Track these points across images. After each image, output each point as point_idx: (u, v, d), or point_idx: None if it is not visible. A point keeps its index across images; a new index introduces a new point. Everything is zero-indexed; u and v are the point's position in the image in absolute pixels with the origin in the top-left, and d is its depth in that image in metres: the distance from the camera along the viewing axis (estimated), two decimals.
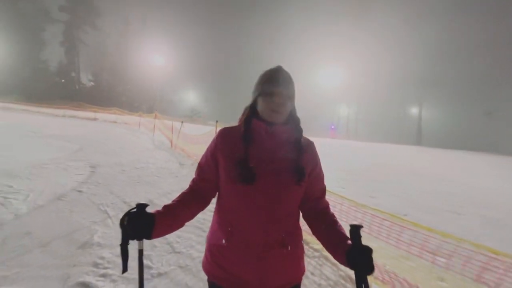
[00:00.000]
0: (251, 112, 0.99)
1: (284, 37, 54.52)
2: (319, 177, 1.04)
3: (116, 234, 2.65)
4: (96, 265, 2.13)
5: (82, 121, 17.45)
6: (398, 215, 4.19)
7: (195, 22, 53.77)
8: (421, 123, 50.99)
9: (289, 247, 0.95)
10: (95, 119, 19.75)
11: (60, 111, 21.29)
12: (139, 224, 0.85)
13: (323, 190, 1.06)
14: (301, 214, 1.06)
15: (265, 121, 0.95)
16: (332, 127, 48.50)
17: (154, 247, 2.48)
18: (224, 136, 1.00)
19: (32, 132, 9.48)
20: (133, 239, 0.85)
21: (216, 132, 5.13)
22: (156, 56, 40.60)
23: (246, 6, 57.42)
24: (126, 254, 0.88)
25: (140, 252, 0.90)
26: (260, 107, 0.96)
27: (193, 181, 1.05)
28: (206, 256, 1.01)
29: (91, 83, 41.50)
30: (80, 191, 3.91)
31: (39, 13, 36.14)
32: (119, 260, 2.27)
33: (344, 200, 2.87)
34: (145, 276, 2.06)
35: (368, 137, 40.83)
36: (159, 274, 2.10)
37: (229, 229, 0.94)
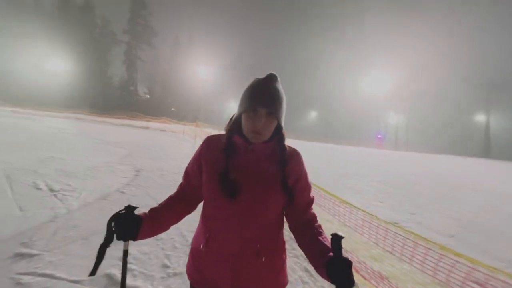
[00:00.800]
0: (234, 127, 0.98)
1: (329, 41, 53.59)
2: (305, 188, 1.01)
3: None
4: (120, 259, 2.35)
5: (136, 130, 19.47)
6: (441, 236, 3.73)
7: (236, 34, 56.26)
8: (489, 133, 44.46)
9: (263, 258, 0.95)
10: (147, 127, 21.86)
11: (119, 121, 24.12)
12: (127, 226, 0.90)
13: (308, 202, 1.02)
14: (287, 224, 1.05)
15: (247, 139, 0.95)
16: (379, 136, 45.30)
17: (175, 248, 2.64)
18: (209, 144, 1.02)
19: (95, 139, 10.93)
20: (119, 239, 0.90)
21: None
22: (201, 69, 43.46)
23: (287, 12, 58.32)
24: (102, 255, 0.91)
25: (125, 253, 0.93)
26: (243, 124, 0.94)
27: (181, 185, 1.08)
28: (188, 259, 1.06)
29: (146, 95, 46.19)
30: (122, 192, 4.38)
31: (107, 36, 41.97)
32: (143, 257, 2.50)
33: (371, 218, 2.67)
34: (161, 274, 2.22)
35: (422, 147, 37.05)
36: (175, 274, 2.23)
37: (207, 235, 0.97)
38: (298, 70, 56.68)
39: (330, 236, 0.83)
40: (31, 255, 2.31)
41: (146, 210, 0.99)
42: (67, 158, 6.53)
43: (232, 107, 51.26)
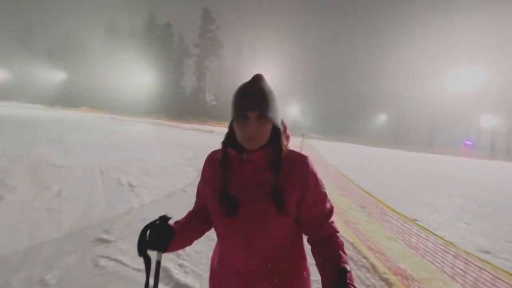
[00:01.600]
0: (228, 139, 0.90)
1: (398, 40, 48.08)
2: (316, 200, 0.88)
3: None
4: (178, 255, 2.55)
5: (203, 134, 21.27)
6: None
7: (297, 37, 55.84)
8: None
9: (276, 279, 0.87)
10: (211, 131, 23.66)
11: (189, 125, 26.81)
12: (162, 236, 0.86)
13: (324, 215, 0.89)
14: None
15: (240, 148, 0.86)
16: (468, 142, 38.02)
17: None
18: (210, 161, 0.96)
19: (168, 142, 12.38)
20: (153, 249, 0.86)
21: (301, 146, 5.08)
22: (264, 75, 44.67)
23: (350, 11, 55.02)
24: (149, 265, 0.87)
25: (158, 264, 0.89)
26: (236, 134, 0.85)
27: (195, 203, 1.05)
28: (209, 275, 1.04)
29: (213, 102, 50.19)
30: (185, 191, 4.79)
31: (182, 51, 47.44)
32: (196, 255, 2.65)
33: (445, 244, 2.21)
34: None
35: None
36: None
37: (219, 253, 0.95)
38: (365, 69, 52.57)
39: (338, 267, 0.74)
40: (108, 241, 2.71)
41: (176, 223, 0.95)
42: (146, 159, 7.55)
43: (293, 111, 51.13)
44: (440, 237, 2.03)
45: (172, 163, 7.30)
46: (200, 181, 1.01)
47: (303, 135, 6.19)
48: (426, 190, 7.18)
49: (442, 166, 14.41)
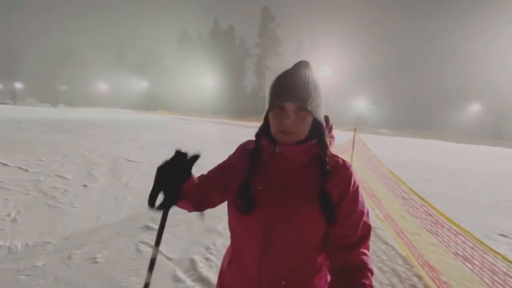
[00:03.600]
0: (263, 129, 0.81)
1: (494, 15, 38.84)
2: (350, 216, 0.71)
3: None
4: (207, 248, 2.63)
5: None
6: None
7: (363, 28, 51.06)
8: None
9: None
10: None
11: (249, 123, 27.78)
12: (175, 174, 0.71)
13: (355, 240, 0.71)
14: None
15: (275, 141, 0.76)
16: None
17: None
18: (240, 150, 0.88)
19: (227, 139, 13.08)
20: (163, 190, 0.71)
21: (353, 140, 4.62)
22: (324, 69, 42.68)
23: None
24: (164, 221, 0.73)
25: (152, 262, 0.74)
26: (270, 124, 0.75)
27: (201, 176, 0.89)
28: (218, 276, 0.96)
29: None
30: None
31: (243, 52, 49.43)
32: (223, 251, 2.69)
33: None
34: None
35: None
36: None
37: (230, 255, 0.86)
38: (449, 53, 44.46)
39: None
40: (152, 229, 3.01)
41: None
42: (204, 155, 8.11)
43: (358, 105, 47.34)
44: None
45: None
46: (222, 163, 0.89)
47: (354, 130, 5.61)
48: None
49: None
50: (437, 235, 2.40)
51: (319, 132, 0.76)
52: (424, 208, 2.56)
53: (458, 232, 2.07)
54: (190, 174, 0.74)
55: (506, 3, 37.88)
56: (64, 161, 6.06)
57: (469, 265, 1.94)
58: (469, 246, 1.94)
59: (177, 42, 53.36)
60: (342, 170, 0.74)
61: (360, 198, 0.74)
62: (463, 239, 1.99)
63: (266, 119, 0.78)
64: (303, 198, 0.72)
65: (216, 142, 11.97)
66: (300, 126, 0.72)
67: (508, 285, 1.59)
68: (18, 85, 53.43)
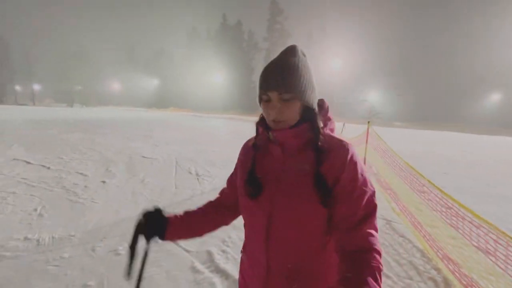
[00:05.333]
0: (260, 119, 0.84)
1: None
2: (350, 197, 0.70)
3: None
4: (223, 241, 2.69)
5: None
6: None
7: (375, 19, 49.51)
8: None
9: (295, 285, 0.77)
10: None
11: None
12: (152, 226, 0.86)
13: (357, 219, 0.69)
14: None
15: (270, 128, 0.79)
16: None
17: None
18: (244, 146, 0.93)
19: (236, 135, 13.14)
20: (145, 237, 0.86)
21: (367, 133, 4.55)
22: (335, 61, 41.83)
23: None
24: (133, 255, 0.85)
25: (145, 254, 0.87)
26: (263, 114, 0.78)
27: (221, 191, 1.02)
28: None
29: None
30: None
31: (251, 46, 49.11)
32: (241, 243, 2.73)
33: None
34: None
35: None
36: None
37: (245, 242, 0.91)
38: (466, 43, 42.54)
39: None
40: None
41: (182, 212, 0.95)
42: (215, 150, 8.23)
43: (370, 98, 46.28)
44: None
45: (236, 154, 7.64)
46: (235, 167, 0.97)
47: (368, 122, 5.50)
48: None
49: None
50: (458, 228, 2.34)
51: (310, 116, 0.76)
52: (444, 200, 2.50)
53: (480, 225, 2.01)
54: (166, 222, 0.88)
55: None
56: (82, 158, 6.29)
57: (492, 258, 1.89)
58: (492, 239, 1.89)
59: (186, 39, 53.65)
60: (337, 150, 0.73)
61: (359, 176, 0.72)
62: (485, 231, 1.94)
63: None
64: (298, 182, 0.73)
65: (226, 137, 12.05)
66: (286, 113, 0.72)
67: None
68: (36, 87, 55.50)
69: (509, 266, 1.76)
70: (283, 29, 47.28)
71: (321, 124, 0.77)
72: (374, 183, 5.12)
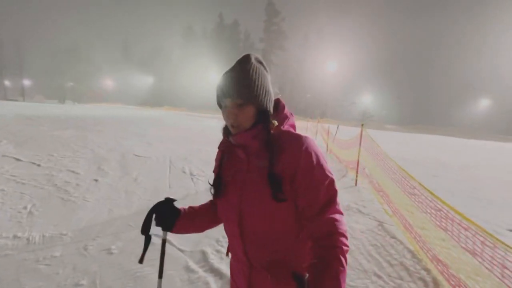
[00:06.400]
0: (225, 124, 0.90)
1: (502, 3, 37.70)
2: (309, 185, 0.75)
3: None
4: (217, 241, 2.69)
5: None
6: None
7: (370, 22, 50.22)
8: None
9: (273, 275, 0.81)
10: None
11: None
12: (167, 215, 0.94)
13: (319, 206, 0.74)
14: None
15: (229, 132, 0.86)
16: None
17: None
18: (218, 151, 0.98)
19: None
20: (158, 226, 0.94)
21: (361, 135, 4.58)
22: (330, 63, 42.21)
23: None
24: (148, 243, 0.96)
25: (163, 242, 0.98)
26: None
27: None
28: None
29: (279, 95, 50.37)
30: None
31: (248, 47, 49.11)
32: None
33: None
34: None
35: None
36: None
37: (228, 242, 0.97)
38: (457, 46, 43.47)
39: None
40: None
41: (186, 207, 1.03)
42: (209, 150, 8.20)
43: (363, 100, 46.83)
44: None
45: None
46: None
47: (362, 125, 5.58)
48: None
49: None
50: (447, 229, 2.41)
51: (263, 118, 0.80)
52: (434, 203, 2.56)
53: (468, 227, 2.07)
54: (179, 212, 0.96)
55: None
56: (74, 156, 6.19)
57: (479, 259, 1.95)
58: (479, 240, 1.95)
59: (182, 38, 53.29)
60: (291, 144, 0.77)
61: (315, 165, 0.75)
62: (473, 233, 1.99)
63: None
64: (258, 179, 0.77)
65: (220, 137, 12.01)
66: (241, 118, 0.78)
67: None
68: (26, 82, 54.25)
69: (495, 267, 1.82)
70: (280, 30, 47.45)
71: (275, 123, 0.82)
72: (366, 184, 5.22)
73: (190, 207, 1.01)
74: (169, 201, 0.97)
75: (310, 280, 0.66)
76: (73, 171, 4.94)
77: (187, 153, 7.44)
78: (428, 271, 2.38)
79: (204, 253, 2.44)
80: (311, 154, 0.76)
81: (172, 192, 4.25)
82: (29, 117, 14.72)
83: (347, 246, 0.70)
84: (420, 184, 2.79)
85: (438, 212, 2.58)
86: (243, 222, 0.81)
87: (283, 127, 0.84)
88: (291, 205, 0.78)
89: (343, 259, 0.67)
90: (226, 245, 2.59)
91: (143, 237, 2.70)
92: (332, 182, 0.77)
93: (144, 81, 56.41)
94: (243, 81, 0.77)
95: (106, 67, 57.37)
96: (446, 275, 2.20)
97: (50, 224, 2.87)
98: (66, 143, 7.74)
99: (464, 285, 2.01)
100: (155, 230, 0.97)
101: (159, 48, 57.26)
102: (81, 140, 8.34)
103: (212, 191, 0.90)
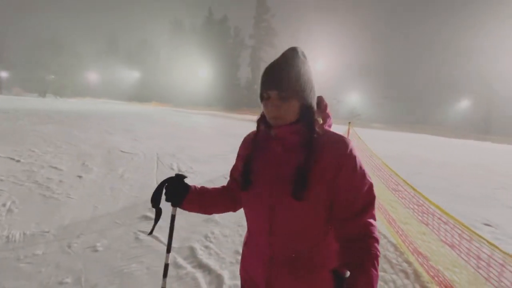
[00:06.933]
0: (261, 116, 0.88)
1: (482, 7, 39.22)
2: (350, 188, 0.75)
3: (230, 218, 3.18)
4: (206, 237, 2.69)
5: (255, 124, 21.68)
6: None
7: (358, 22, 51.01)
8: None
9: (299, 271, 0.81)
10: None
11: (242, 116, 27.69)
12: (177, 190, 0.91)
13: (357, 209, 0.74)
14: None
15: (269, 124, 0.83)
16: None
17: None
18: (245, 140, 0.97)
19: (221, 131, 13.06)
20: (168, 201, 0.92)
21: (348, 133, 4.66)
22: (319, 62, 42.59)
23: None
24: (159, 216, 0.95)
25: (173, 217, 0.97)
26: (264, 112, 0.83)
27: (228, 181, 1.05)
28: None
29: None
30: (225, 178, 4.98)
31: (237, 43, 48.69)
32: (223, 238, 2.76)
33: None
34: (231, 259, 2.35)
35: None
36: None
37: (247, 235, 0.95)
38: (441, 47, 44.90)
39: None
40: (151, 219, 3.03)
41: (199, 187, 0.99)
42: (197, 146, 8.13)
43: (351, 99, 47.64)
44: (498, 248, 1.61)
45: (219, 151, 7.69)
46: (236, 159, 1.00)
47: (349, 123, 5.69)
48: None
49: None
50: (428, 224, 2.51)
51: (308, 114, 0.80)
52: (416, 198, 2.66)
53: (447, 221, 2.17)
54: (188, 188, 0.94)
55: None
56: (57, 152, 5.98)
57: (456, 251, 2.05)
58: (457, 233, 2.05)
59: (170, 32, 52.14)
60: (336, 145, 0.77)
61: (358, 169, 0.76)
62: (452, 226, 2.09)
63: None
64: (287, 176, 0.77)
65: (210, 134, 11.95)
66: (285, 111, 0.76)
67: (491, 267, 1.70)
68: (3, 74, 51.56)
69: (472, 258, 1.92)
70: (269, 27, 47.31)
71: (320, 121, 0.83)
72: None
73: (202, 187, 0.98)
74: (179, 177, 0.94)
75: (349, 281, 0.64)
76: (55, 167, 4.78)
77: (175, 149, 7.35)
78: (409, 263, 2.48)
79: (192, 249, 2.43)
80: (355, 157, 0.77)
81: None
82: (6, 110, 14.04)
83: (379, 252, 0.72)
84: (404, 180, 2.89)
85: (420, 207, 2.69)
86: (274, 217, 0.80)
87: (325, 126, 0.84)
88: (320, 205, 0.77)
89: (376, 264, 0.68)
90: (215, 241, 2.60)
91: (129, 234, 2.67)
92: (371, 186, 0.78)
93: (130, 75, 54.89)
94: (289, 74, 0.76)
95: (90, 60, 55.40)
96: (426, 267, 2.31)
97: (31, 221, 2.77)
98: (48, 138, 7.45)
99: (442, 276, 2.11)
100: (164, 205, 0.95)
101: (146, 42, 55.78)
102: (64, 136, 8.06)
103: (240, 183, 0.87)
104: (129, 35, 61.84)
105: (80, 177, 4.39)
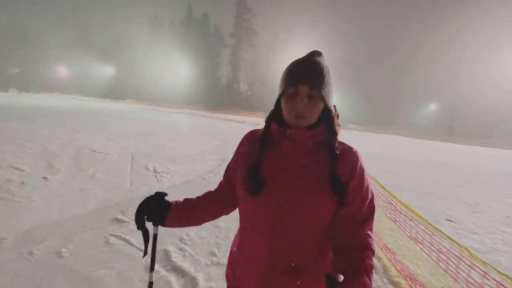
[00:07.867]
0: (273, 113, 0.83)
1: (452, 14, 42.27)
2: (355, 199, 0.76)
3: None
4: (181, 239, 2.63)
5: (235, 124, 21.60)
6: None
7: (334, 24, 52.72)
8: None
9: (298, 281, 0.78)
10: (244, 122, 23.90)
11: (222, 115, 27.44)
12: (155, 210, 0.88)
13: (359, 220, 0.76)
14: None
15: (285, 124, 0.79)
16: None
17: (227, 238, 2.73)
18: (248, 138, 0.90)
19: (200, 131, 12.85)
20: (149, 221, 0.88)
21: None
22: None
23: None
24: (147, 236, 0.90)
25: (155, 237, 0.93)
26: (283, 108, 0.78)
27: (220, 183, 0.99)
28: (227, 261, 0.97)
29: (248, 92, 50.42)
30: (203, 178, 4.92)
31: (217, 41, 48.18)
32: (199, 240, 2.71)
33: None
34: (206, 261, 2.33)
35: None
36: (218, 264, 2.31)
37: (240, 239, 0.88)
38: (412, 52, 47.66)
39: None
40: (123, 221, 2.92)
41: (182, 200, 0.95)
42: (175, 146, 7.94)
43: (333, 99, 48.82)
44: (456, 242, 1.75)
45: (198, 151, 7.56)
46: (232, 159, 0.94)
47: None
48: (473, 188, 6.35)
49: (500, 162, 12.60)
50: (396, 221, 2.66)
51: (328, 118, 0.78)
52: (385, 196, 2.80)
53: (413, 217, 2.31)
54: (170, 206, 0.90)
55: (468, 3, 41.06)
56: (19, 151, 5.55)
57: (420, 246, 2.19)
58: (421, 229, 2.19)
59: (147, 27, 50.35)
60: (349, 155, 0.78)
61: (365, 181, 0.78)
62: (416, 223, 2.23)
63: (277, 105, 0.81)
64: (313, 181, 0.75)
65: (188, 133, 11.72)
66: (311, 110, 0.74)
67: (451, 260, 1.83)
68: None
69: (433, 252, 2.06)
70: (250, 27, 47.31)
71: (339, 128, 0.81)
72: None
73: (186, 200, 0.94)
74: (159, 195, 0.91)
75: (344, 287, 0.65)
76: (17, 168, 4.43)
77: (151, 149, 7.11)
78: (378, 258, 2.60)
79: (166, 252, 2.37)
80: (364, 169, 0.79)
81: (133, 189, 4.04)
82: None
83: (374, 264, 0.75)
84: (373, 179, 3.03)
85: (389, 205, 2.84)
86: (280, 221, 0.76)
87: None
88: (333, 212, 0.77)
89: (371, 275, 0.70)
90: (190, 243, 2.56)
91: (98, 238, 2.55)
92: (373, 198, 0.79)
93: (104, 71, 52.23)
94: (322, 74, 0.74)
95: (59, 54, 51.93)
96: (393, 262, 2.44)
97: None
98: (9, 136, 6.89)
99: (407, 269, 2.24)
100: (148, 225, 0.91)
101: (122, 37, 53.35)
102: (28, 134, 7.49)
103: (246, 185, 0.80)
104: (104, 28, 58.74)
105: (45, 178, 4.11)
